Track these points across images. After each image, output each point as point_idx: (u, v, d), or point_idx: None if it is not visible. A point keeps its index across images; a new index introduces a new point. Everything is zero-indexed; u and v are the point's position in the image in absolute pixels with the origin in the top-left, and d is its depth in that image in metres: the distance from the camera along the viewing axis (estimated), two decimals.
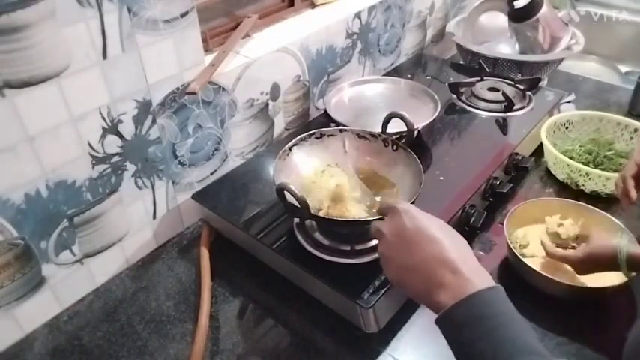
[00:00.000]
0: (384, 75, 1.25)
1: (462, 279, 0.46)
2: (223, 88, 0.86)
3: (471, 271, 0.47)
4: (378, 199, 0.76)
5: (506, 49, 1.37)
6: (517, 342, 0.43)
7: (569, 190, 0.96)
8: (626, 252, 0.68)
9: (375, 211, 0.61)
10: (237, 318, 0.75)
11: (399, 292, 0.71)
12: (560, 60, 1.26)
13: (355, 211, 0.72)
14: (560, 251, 0.75)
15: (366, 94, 1.10)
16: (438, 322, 0.46)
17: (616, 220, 0.80)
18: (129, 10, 0.67)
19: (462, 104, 1.11)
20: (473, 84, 1.15)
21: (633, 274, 0.70)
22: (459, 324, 0.44)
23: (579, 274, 0.75)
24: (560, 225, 0.79)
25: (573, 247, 0.77)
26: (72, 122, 0.66)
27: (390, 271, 0.53)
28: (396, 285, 0.52)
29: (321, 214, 0.71)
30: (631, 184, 0.77)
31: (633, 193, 0.76)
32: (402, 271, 0.51)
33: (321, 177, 0.77)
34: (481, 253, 0.84)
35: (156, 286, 0.80)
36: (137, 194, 0.80)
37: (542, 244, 0.78)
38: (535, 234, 0.82)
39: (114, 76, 0.69)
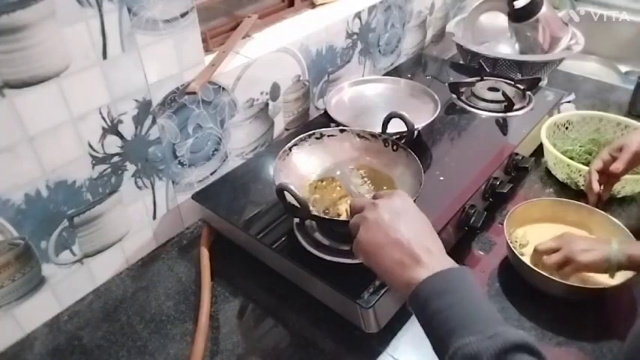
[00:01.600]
0: (384, 75, 1.25)
1: (437, 259, 0.51)
2: (223, 88, 0.86)
3: (443, 256, 0.52)
4: None
5: (506, 49, 1.37)
6: (479, 311, 0.47)
7: (569, 190, 0.96)
8: (617, 263, 0.69)
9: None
10: (237, 318, 0.75)
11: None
12: (560, 60, 1.26)
13: None
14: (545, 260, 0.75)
15: (366, 94, 1.10)
16: (409, 301, 0.50)
17: (616, 220, 0.80)
18: (129, 10, 0.67)
19: (462, 104, 1.11)
20: (473, 84, 1.15)
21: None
22: (426, 297, 0.48)
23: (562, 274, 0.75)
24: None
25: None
26: (72, 122, 0.66)
27: (367, 240, 0.54)
28: (366, 255, 0.54)
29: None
30: (595, 177, 0.83)
31: (596, 185, 0.83)
32: (380, 244, 0.53)
33: (323, 189, 0.77)
34: (481, 253, 0.84)
35: (156, 286, 0.80)
36: (137, 194, 0.80)
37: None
38: (535, 234, 0.82)
39: (114, 76, 0.69)
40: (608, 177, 0.84)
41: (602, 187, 0.84)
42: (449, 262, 0.51)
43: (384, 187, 0.79)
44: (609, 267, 0.69)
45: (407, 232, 0.52)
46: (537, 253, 0.76)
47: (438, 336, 0.47)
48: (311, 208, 0.67)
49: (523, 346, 0.43)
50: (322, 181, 0.78)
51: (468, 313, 0.46)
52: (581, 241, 0.73)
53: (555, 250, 0.73)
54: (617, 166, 0.81)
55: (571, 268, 0.71)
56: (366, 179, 0.80)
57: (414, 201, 0.68)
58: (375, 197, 0.59)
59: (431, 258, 0.51)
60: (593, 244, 0.72)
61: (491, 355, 0.42)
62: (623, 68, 1.68)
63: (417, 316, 0.50)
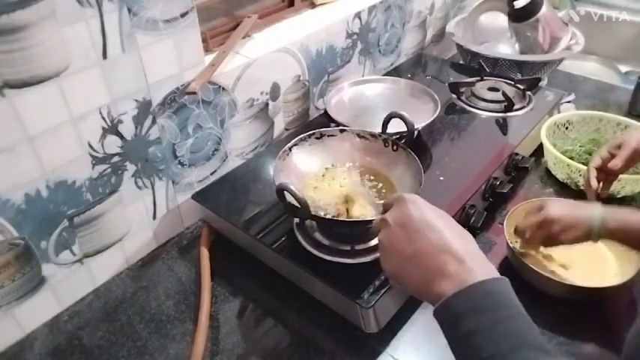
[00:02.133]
0: (384, 75, 1.25)
1: (466, 269, 0.44)
2: (223, 88, 0.86)
3: (476, 261, 0.45)
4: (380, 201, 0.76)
5: (506, 49, 1.37)
6: (520, 336, 0.41)
7: (569, 190, 0.96)
8: (598, 235, 0.68)
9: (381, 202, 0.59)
10: (237, 318, 0.75)
11: (399, 292, 0.71)
12: (560, 60, 1.26)
13: (369, 208, 0.73)
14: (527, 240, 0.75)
15: (366, 94, 1.10)
16: (436, 312, 0.44)
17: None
18: (129, 10, 0.67)
19: (462, 104, 1.11)
20: (473, 84, 1.15)
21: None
22: (459, 314, 0.42)
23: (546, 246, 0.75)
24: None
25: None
26: (72, 122, 0.66)
27: (389, 261, 0.50)
28: (394, 277, 0.50)
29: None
30: (593, 174, 0.83)
31: (594, 182, 0.82)
32: (402, 262, 0.48)
33: (322, 181, 0.77)
34: None
35: (156, 286, 0.80)
36: (137, 194, 0.80)
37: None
38: None
39: (114, 76, 0.69)
40: (607, 175, 0.84)
41: (600, 185, 0.84)
42: (483, 270, 0.44)
43: (381, 185, 0.79)
44: (592, 238, 0.69)
45: (424, 241, 0.47)
46: (519, 232, 0.76)
47: None
48: (310, 203, 0.67)
49: None
50: (323, 175, 0.79)
51: (505, 338, 0.40)
52: (561, 220, 0.70)
53: (537, 228, 0.73)
54: (615, 163, 0.81)
55: (554, 244, 0.72)
56: (366, 179, 0.80)
57: None
58: (384, 207, 0.56)
59: (460, 267, 0.44)
60: (573, 218, 0.70)
61: None
62: (623, 68, 1.68)
63: (443, 330, 0.44)
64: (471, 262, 0.45)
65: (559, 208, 0.71)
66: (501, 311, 0.42)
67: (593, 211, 0.69)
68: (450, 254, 0.45)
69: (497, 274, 0.45)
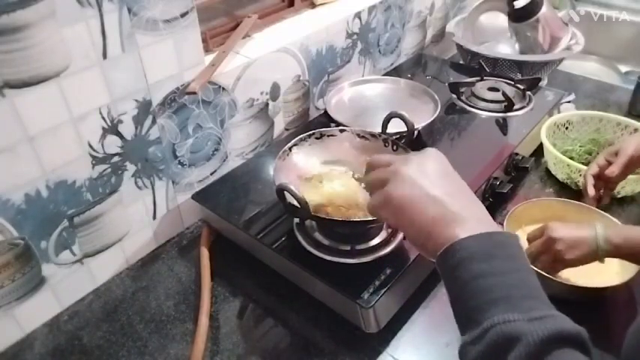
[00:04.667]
0: (384, 75, 1.25)
1: (483, 222, 0.44)
2: (223, 88, 0.86)
3: (490, 222, 0.45)
4: None
5: (506, 49, 1.37)
6: (534, 289, 0.40)
7: (569, 190, 0.97)
8: (604, 253, 0.68)
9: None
10: (237, 318, 0.75)
11: (399, 291, 0.71)
12: (560, 60, 1.26)
13: None
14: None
15: (366, 94, 1.10)
16: (442, 255, 0.43)
17: (616, 220, 0.80)
18: (129, 10, 0.67)
19: (462, 104, 1.11)
20: (473, 84, 1.15)
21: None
22: (471, 256, 0.41)
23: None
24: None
25: None
26: (72, 122, 0.66)
27: (401, 188, 0.47)
28: (402, 208, 0.47)
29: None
30: (590, 181, 0.83)
31: (591, 190, 0.83)
32: (419, 194, 0.46)
33: (322, 181, 0.77)
34: None
35: (156, 286, 0.80)
36: (137, 194, 0.80)
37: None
38: None
39: (114, 76, 0.69)
40: (605, 182, 0.84)
41: (601, 192, 0.84)
42: (496, 227, 0.44)
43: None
44: (598, 257, 0.69)
45: (447, 189, 0.46)
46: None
47: (472, 304, 0.40)
48: (308, 201, 0.67)
49: (573, 338, 0.37)
50: (321, 182, 0.78)
51: (517, 286, 0.39)
52: (564, 238, 0.71)
53: (542, 250, 0.73)
54: (612, 170, 0.81)
55: (561, 266, 0.72)
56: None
57: None
58: (372, 164, 0.54)
59: (475, 221, 0.44)
60: (576, 236, 0.71)
61: (534, 341, 0.36)
62: (623, 68, 1.68)
63: (445, 276, 0.43)
64: (485, 219, 0.45)
65: (561, 227, 0.72)
66: (515, 262, 0.41)
67: (595, 229, 0.69)
68: (473, 209, 0.46)
69: (508, 232, 0.45)
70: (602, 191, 0.85)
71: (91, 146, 0.70)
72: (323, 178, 0.76)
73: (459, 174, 0.51)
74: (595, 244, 0.68)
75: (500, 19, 1.37)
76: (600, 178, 0.84)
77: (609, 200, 0.86)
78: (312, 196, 0.73)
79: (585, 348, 0.38)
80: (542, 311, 0.38)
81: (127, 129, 0.74)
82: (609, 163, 0.82)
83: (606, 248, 0.68)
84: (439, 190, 0.46)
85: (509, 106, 1.07)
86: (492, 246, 0.42)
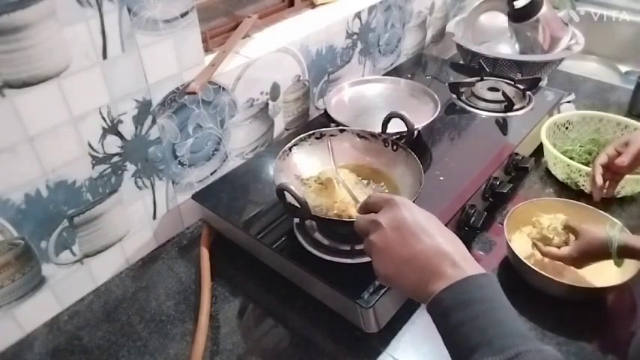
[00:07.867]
0: (384, 75, 1.25)
1: (458, 269, 0.46)
2: (223, 88, 0.86)
3: (466, 262, 0.47)
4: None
5: (506, 49, 1.37)
6: (504, 325, 0.43)
7: (569, 190, 0.97)
8: (617, 243, 0.69)
9: (365, 199, 0.57)
10: (237, 318, 0.75)
11: (399, 292, 0.71)
12: (560, 60, 1.26)
13: None
14: (554, 250, 0.75)
15: (366, 94, 1.10)
16: (428, 307, 0.46)
17: (616, 220, 0.80)
18: (129, 10, 0.67)
19: (462, 104, 1.11)
20: (473, 84, 1.15)
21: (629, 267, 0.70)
22: (449, 307, 0.44)
23: (577, 268, 0.75)
24: (544, 229, 0.78)
25: (565, 243, 0.77)
26: (72, 122, 0.66)
27: (384, 263, 0.51)
28: (388, 278, 0.51)
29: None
30: (599, 170, 0.82)
31: (599, 179, 0.82)
32: (398, 264, 0.49)
33: (322, 181, 0.77)
34: (481, 253, 0.84)
35: (156, 286, 0.80)
36: (137, 194, 0.80)
37: (535, 245, 0.78)
38: None
39: (114, 76, 0.69)
40: (613, 174, 0.83)
41: (607, 184, 0.84)
42: (472, 269, 0.46)
43: (382, 184, 0.79)
44: (609, 248, 0.70)
45: (420, 244, 0.48)
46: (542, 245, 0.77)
47: (460, 354, 0.43)
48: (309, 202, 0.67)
49: None
50: (322, 183, 0.78)
51: (493, 325, 0.42)
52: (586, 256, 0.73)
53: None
54: (622, 160, 0.80)
55: (574, 247, 0.74)
56: (365, 179, 0.80)
57: (414, 201, 0.68)
58: (367, 205, 0.56)
59: (453, 268, 0.46)
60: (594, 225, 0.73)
61: None
62: (623, 68, 1.68)
63: (437, 326, 0.46)
64: (462, 263, 0.47)
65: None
66: (486, 303, 0.44)
67: (612, 228, 0.71)
68: (444, 257, 0.47)
69: (481, 273, 0.47)
70: (607, 183, 0.84)
71: (91, 146, 0.70)
72: (323, 178, 0.76)
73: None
74: (609, 240, 0.69)
75: (500, 19, 1.37)
76: (609, 169, 0.83)
77: (613, 192, 0.86)
78: (312, 197, 0.73)
79: None
80: (516, 348, 0.40)
81: (127, 129, 0.74)
82: (619, 154, 0.82)
83: (621, 246, 0.69)
84: (412, 248, 0.49)
85: (509, 106, 1.07)
86: (467, 292, 0.44)
